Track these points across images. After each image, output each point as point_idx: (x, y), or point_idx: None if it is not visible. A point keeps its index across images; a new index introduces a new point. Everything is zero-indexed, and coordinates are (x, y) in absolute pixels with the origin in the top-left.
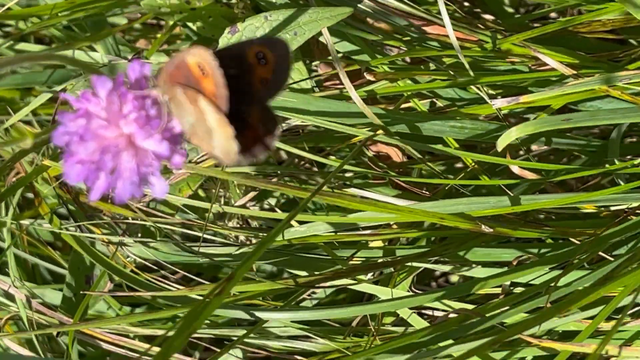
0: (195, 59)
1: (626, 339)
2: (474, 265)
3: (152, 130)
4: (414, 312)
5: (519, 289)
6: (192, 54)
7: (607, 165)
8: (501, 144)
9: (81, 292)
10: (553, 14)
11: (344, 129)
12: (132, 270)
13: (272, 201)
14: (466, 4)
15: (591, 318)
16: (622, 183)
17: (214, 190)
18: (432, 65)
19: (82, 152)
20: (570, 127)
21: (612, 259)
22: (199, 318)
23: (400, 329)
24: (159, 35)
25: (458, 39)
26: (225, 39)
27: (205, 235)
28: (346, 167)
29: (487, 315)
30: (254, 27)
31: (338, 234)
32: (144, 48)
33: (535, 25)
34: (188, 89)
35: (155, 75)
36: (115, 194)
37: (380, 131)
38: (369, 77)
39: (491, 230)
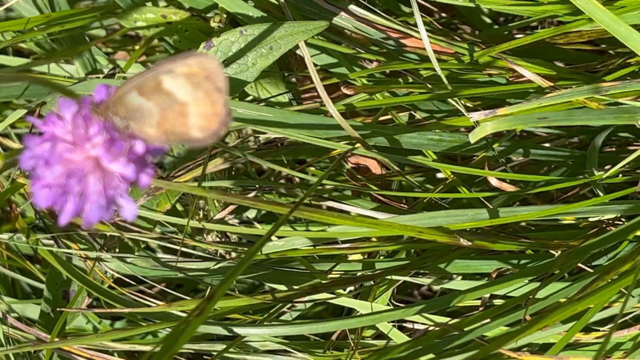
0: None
1: (606, 350)
2: (454, 277)
3: (117, 153)
4: (394, 326)
5: (498, 301)
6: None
7: (585, 176)
8: (475, 136)
9: (58, 309)
10: (533, 24)
11: (323, 143)
12: (109, 286)
13: (252, 213)
14: (443, 14)
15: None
16: (601, 193)
17: (191, 204)
18: (410, 78)
19: (48, 176)
20: (546, 126)
21: (591, 270)
22: (179, 340)
23: (380, 342)
24: (137, 47)
25: (435, 51)
26: None
27: (183, 249)
28: (325, 180)
29: (467, 328)
30: (229, 42)
31: (317, 247)
32: (118, 63)
33: (514, 35)
34: (143, 85)
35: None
36: (83, 217)
37: (358, 145)
38: (346, 91)
39: (469, 243)
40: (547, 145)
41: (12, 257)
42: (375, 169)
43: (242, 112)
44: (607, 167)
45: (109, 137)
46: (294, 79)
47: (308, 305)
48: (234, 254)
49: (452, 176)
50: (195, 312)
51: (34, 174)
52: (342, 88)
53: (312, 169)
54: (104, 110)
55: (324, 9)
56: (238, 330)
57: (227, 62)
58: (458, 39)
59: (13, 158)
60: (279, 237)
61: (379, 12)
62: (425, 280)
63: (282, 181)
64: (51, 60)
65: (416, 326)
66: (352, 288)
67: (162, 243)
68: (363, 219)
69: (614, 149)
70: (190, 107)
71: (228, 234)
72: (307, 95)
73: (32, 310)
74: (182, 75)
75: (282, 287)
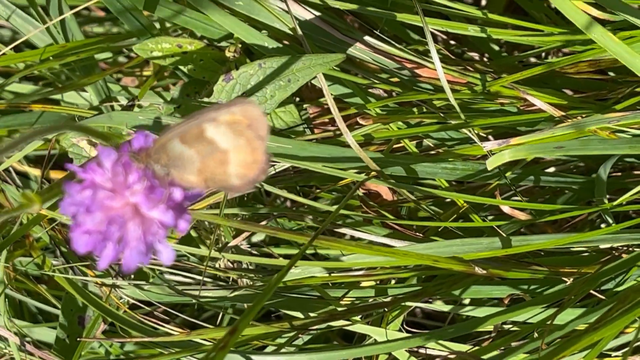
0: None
1: None
2: (464, 302)
3: (156, 200)
4: (409, 353)
5: (510, 326)
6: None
7: (594, 204)
8: (492, 164)
9: (77, 339)
10: (541, 53)
11: (340, 173)
12: (125, 312)
13: (261, 236)
14: (452, 42)
15: None
16: (611, 221)
17: (205, 230)
18: (424, 108)
19: (89, 222)
20: (562, 155)
21: (602, 296)
22: None
23: None
24: (146, 73)
25: (449, 81)
26: (220, 87)
27: (195, 276)
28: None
29: (486, 357)
30: (248, 75)
31: (332, 275)
32: (129, 88)
33: (524, 63)
34: (186, 133)
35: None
36: (122, 262)
37: (373, 173)
38: (362, 121)
39: (484, 272)
40: (552, 169)
41: (20, 279)
42: (387, 195)
43: None
44: (614, 192)
45: (148, 185)
46: (305, 106)
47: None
48: (246, 280)
49: (464, 204)
50: (220, 345)
51: (74, 220)
52: (358, 119)
53: (324, 195)
54: (144, 157)
55: (339, 40)
56: (256, 358)
57: (246, 94)
58: (470, 68)
59: (47, 200)
60: (295, 266)
61: (392, 42)
62: (440, 307)
63: (292, 207)
64: (68, 90)
65: (429, 351)
66: (364, 313)
67: (175, 271)
68: (379, 248)
69: (619, 174)
70: (231, 154)
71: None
72: (318, 121)
73: (42, 333)
74: (225, 123)
75: (297, 314)
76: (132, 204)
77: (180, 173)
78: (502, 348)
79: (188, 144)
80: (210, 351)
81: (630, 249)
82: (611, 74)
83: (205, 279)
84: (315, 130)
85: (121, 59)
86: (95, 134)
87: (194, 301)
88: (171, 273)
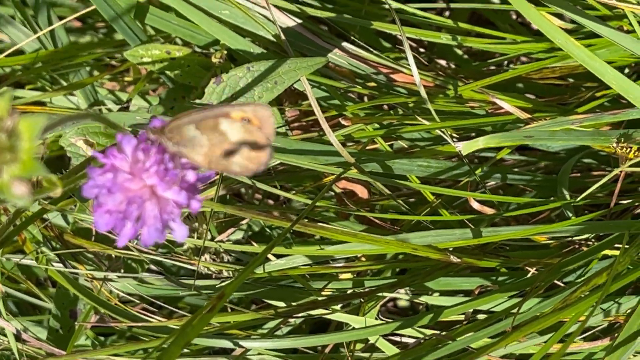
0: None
1: None
2: (436, 294)
3: (171, 182)
4: (386, 339)
5: (481, 316)
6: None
7: (558, 199)
8: (467, 148)
9: (76, 323)
10: (506, 60)
11: (322, 168)
12: (115, 304)
13: (239, 235)
14: (422, 50)
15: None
16: (572, 216)
17: (196, 224)
18: (400, 110)
19: (110, 203)
20: (529, 144)
21: (564, 285)
22: (194, 330)
23: (368, 355)
24: (127, 79)
25: (423, 86)
26: (211, 89)
27: (186, 266)
28: (318, 203)
29: (458, 339)
30: (237, 77)
31: (313, 266)
32: (119, 95)
33: (492, 68)
34: (206, 120)
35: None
36: (140, 239)
37: (353, 170)
38: (344, 122)
39: (459, 260)
40: (518, 170)
41: (14, 276)
42: (362, 193)
43: None
44: (574, 191)
45: (164, 168)
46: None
47: (298, 321)
48: (230, 272)
49: (434, 199)
50: (206, 309)
51: (96, 201)
52: (340, 119)
53: (302, 195)
54: (159, 133)
55: (319, 46)
56: (243, 343)
57: (235, 96)
58: (442, 74)
59: (72, 185)
60: (279, 256)
61: (369, 49)
62: (413, 298)
63: (271, 204)
64: (59, 93)
65: (404, 339)
66: (342, 305)
67: (169, 261)
68: (363, 235)
69: (578, 174)
70: (240, 149)
71: (222, 254)
72: (296, 124)
73: (34, 328)
74: (240, 120)
75: (280, 304)
76: (149, 186)
77: (189, 152)
78: (472, 332)
79: (201, 130)
80: (197, 314)
81: (590, 242)
82: (571, 80)
83: (185, 273)
84: (294, 133)
85: (103, 67)
86: (114, 126)
87: (181, 294)
88: (158, 266)
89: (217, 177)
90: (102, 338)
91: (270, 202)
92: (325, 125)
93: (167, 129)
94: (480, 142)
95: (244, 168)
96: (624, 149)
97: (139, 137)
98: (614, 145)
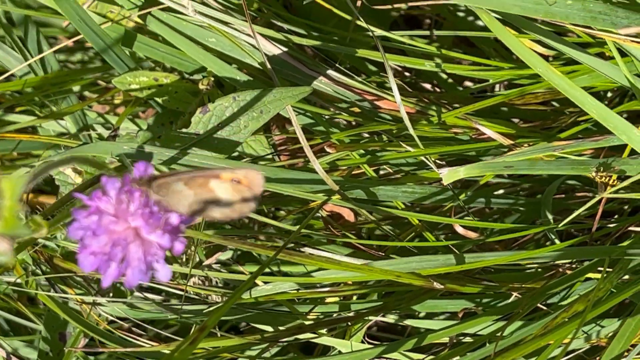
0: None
1: None
2: (421, 317)
3: (155, 225)
4: None
5: (466, 339)
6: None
7: (540, 224)
8: (447, 179)
9: (65, 349)
10: (490, 86)
11: (307, 196)
12: (104, 328)
13: (227, 255)
14: (407, 73)
15: None
16: (556, 240)
17: (188, 250)
18: (384, 137)
19: (95, 245)
20: (511, 172)
21: (546, 308)
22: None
23: None
24: (116, 101)
25: (407, 113)
26: (198, 118)
27: (174, 290)
28: (305, 226)
29: None
30: (223, 107)
31: (300, 291)
32: (108, 118)
33: (475, 95)
34: (195, 179)
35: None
36: (125, 280)
37: (337, 196)
38: (329, 149)
39: (442, 286)
40: (501, 192)
41: (2, 296)
42: (349, 216)
43: None
44: (557, 213)
45: (148, 211)
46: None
47: (285, 343)
48: (216, 297)
49: (419, 224)
50: (189, 340)
51: (81, 242)
52: (325, 146)
53: (289, 216)
54: (145, 184)
55: (305, 74)
56: None
57: (221, 125)
58: (426, 100)
59: (57, 225)
60: (266, 283)
61: (353, 76)
62: (399, 321)
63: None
64: (49, 119)
65: None
66: (328, 328)
67: (156, 286)
68: (347, 263)
69: (562, 196)
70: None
71: (212, 278)
72: (282, 147)
73: (23, 350)
74: (229, 181)
75: (267, 328)
76: (133, 228)
77: (174, 204)
78: (457, 357)
79: (189, 187)
80: (179, 345)
81: (574, 265)
82: (555, 104)
83: (174, 298)
84: (282, 157)
85: (92, 90)
86: (100, 166)
87: (168, 317)
88: (146, 291)
89: None
90: (91, 358)
91: (260, 219)
92: (310, 154)
93: (155, 184)
94: (461, 172)
95: (226, 216)
96: (604, 177)
97: (123, 179)
98: (593, 174)
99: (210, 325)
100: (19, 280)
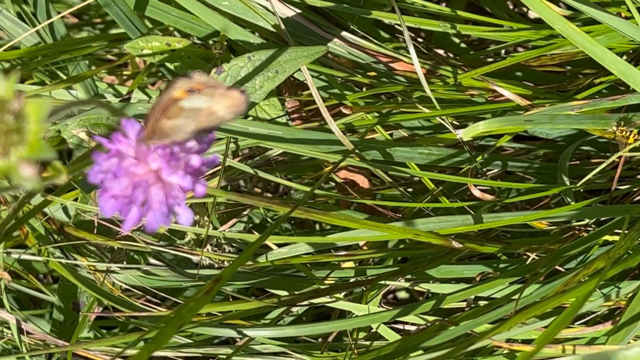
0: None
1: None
2: (437, 282)
3: (176, 166)
4: (388, 327)
5: (482, 303)
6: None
7: (558, 185)
8: (467, 133)
9: (81, 313)
10: (504, 48)
11: (324, 156)
12: (118, 295)
13: (240, 227)
14: (420, 40)
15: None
16: (572, 201)
17: (197, 217)
18: (399, 99)
19: (115, 188)
20: (530, 128)
21: (564, 270)
22: (190, 311)
23: (374, 343)
24: (126, 73)
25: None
26: None
27: (189, 256)
28: (318, 192)
29: (461, 323)
30: (238, 67)
31: (315, 255)
32: (118, 89)
33: (489, 57)
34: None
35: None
36: (146, 224)
37: (354, 157)
38: (345, 110)
39: (461, 245)
40: (519, 158)
41: (17, 270)
42: (363, 183)
43: (254, 130)
44: (573, 178)
45: (169, 152)
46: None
47: (300, 311)
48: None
49: (434, 187)
50: (204, 291)
51: (102, 186)
52: (341, 108)
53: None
54: (145, 140)
55: (320, 36)
56: (247, 332)
57: (236, 85)
58: (442, 62)
59: (78, 171)
60: (281, 245)
61: (369, 38)
62: (415, 286)
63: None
64: (60, 86)
65: (406, 327)
66: (345, 293)
67: (170, 253)
68: (365, 222)
69: (577, 162)
70: (215, 106)
71: (224, 246)
72: (296, 115)
73: (36, 321)
74: (189, 93)
75: (284, 293)
76: (154, 170)
77: (182, 134)
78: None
79: (175, 118)
80: (195, 294)
81: (590, 227)
82: (569, 67)
83: (185, 266)
84: (295, 122)
85: (101, 63)
86: (117, 112)
87: (184, 285)
88: (159, 258)
89: (220, 167)
90: (103, 331)
91: (276, 180)
92: (326, 114)
93: (146, 136)
94: (480, 127)
95: (233, 113)
96: (624, 132)
97: (142, 123)
98: (614, 128)
99: (226, 277)
100: (29, 255)
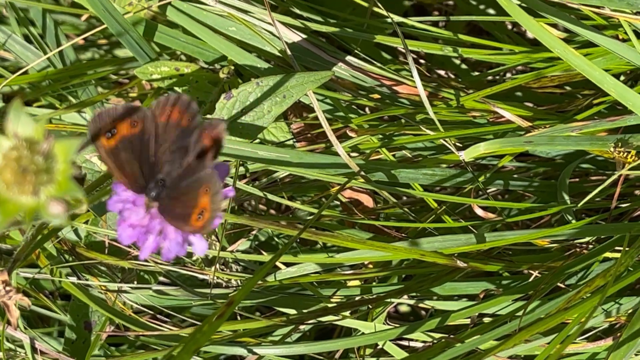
0: None
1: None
2: (441, 299)
3: None
4: (394, 343)
5: (486, 319)
6: None
7: (558, 204)
8: (469, 154)
9: (93, 333)
10: (504, 71)
11: (330, 179)
12: (130, 315)
13: (247, 245)
14: (422, 61)
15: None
16: (572, 219)
17: (205, 236)
18: (403, 121)
19: (133, 217)
20: (530, 149)
21: (565, 287)
22: (204, 335)
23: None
24: (132, 95)
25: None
26: (222, 104)
27: (199, 275)
28: (324, 212)
29: (467, 341)
30: (247, 92)
31: (322, 274)
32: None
33: (490, 78)
34: None
35: None
36: (162, 252)
37: (359, 179)
38: (351, 133)
39: (465, 264)
40: (519, 176)
41: (28, 290)
42: (367, 202)
43: (263, 154)
44: (573, 196)
45: None
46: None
47: (306, 328)
48: (239, 281)
49: (437, 206)
50: (216, 315)
51: (120, 215)
52: (347, 131)
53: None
54: None
55: (325, 60)
56: (256, 349)
57: (245, 110)
58: (444, 85)
59: (97, 201)
60: (289, 265)
61: (373, 61)
62: (419, 303)
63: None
64: (70, 110)
65: (412, 344)
66: (351, 311)
67: (179, 272)
68: (372, 242)
69: (577, 180)
70: None
71: (232, 265)
72: (301, 137)
73: (47, 340)
74: None
75: (292, 311)
76: None
77: None
78: (479, 335)
79: None
80: (207, 320)
81: (591, 245)
82: (568, 88)
83: (192, 284)
84: (300, 144)
85: (108, 86)
86: None
87: (193, 304)
88: (168, 277)
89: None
90: (112, 348)
91: (273, 212)
92: (332, 137)
93: None
94: (481, 148)
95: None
96: (622, 153)
97: None
98: (612, 149)
99: (238, 300)
100: (42, 274)
